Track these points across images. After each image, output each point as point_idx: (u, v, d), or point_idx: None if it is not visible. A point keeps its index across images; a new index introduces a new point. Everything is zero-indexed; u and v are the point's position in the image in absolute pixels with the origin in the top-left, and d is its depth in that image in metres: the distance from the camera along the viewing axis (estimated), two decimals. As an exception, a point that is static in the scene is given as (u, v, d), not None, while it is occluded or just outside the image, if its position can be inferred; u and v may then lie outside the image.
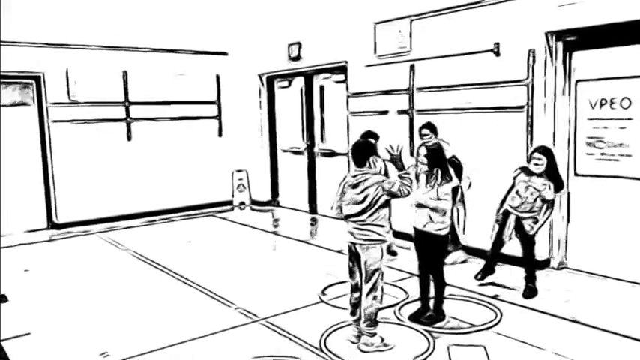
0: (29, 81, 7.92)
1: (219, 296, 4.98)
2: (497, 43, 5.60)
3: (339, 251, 6.44)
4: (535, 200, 4.66)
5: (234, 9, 9.13)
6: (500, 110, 5.70)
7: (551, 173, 4.61)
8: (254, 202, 9.72)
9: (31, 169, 8.07)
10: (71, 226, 8.15)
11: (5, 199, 7.78)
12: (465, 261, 5.93)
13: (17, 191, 7.92)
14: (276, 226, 8.18)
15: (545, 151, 4.62)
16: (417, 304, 4.41)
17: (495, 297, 4.78)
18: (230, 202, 9.68)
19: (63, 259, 6.67)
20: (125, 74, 8.54)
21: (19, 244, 7.33)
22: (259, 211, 9.31)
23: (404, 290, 4.98)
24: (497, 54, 5.62)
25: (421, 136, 5.69)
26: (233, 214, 9.12)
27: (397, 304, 4.64)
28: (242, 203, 9.68)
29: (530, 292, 4.77)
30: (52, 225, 8.17)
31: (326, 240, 7.11)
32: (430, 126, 5.74)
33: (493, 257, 5.09)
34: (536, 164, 4.59)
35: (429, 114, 6.40)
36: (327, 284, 5.17)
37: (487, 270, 5.12)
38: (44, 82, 7.90)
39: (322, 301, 4.77)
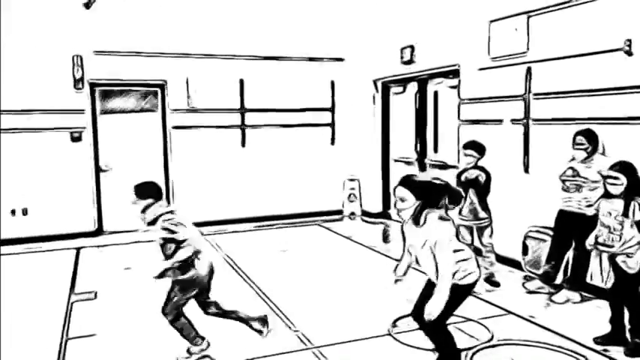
0: (155, 89, 8.46)
1: (284, 315, 4.73)
2: (630, 40, 4.58)
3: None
4: (622, 227, 3.75)
5: (349, 14, 8.88)
6: (632, 121, 4.65)
7: (634, 191, 3.73)
8: (365, 213, 9.35)
9: (155, 171, 8.60)
10: (186, 227, 8.51)
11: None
12: (582, 300, 4.95)
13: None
14: (386, 241, 7.76)
15: (625, 168, 3.75)
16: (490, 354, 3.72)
17: (604, 353, 3.86)
18: (340, 212, 9.42)
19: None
20: (241, 82, 8.74)
21: (135, 242, 7.82)
22: (369, 223, 8.92)
23: (488, 330, 4.26)
24: (629, 53, 4.59)
25: (575, 144, 4.77)
26: (340, 224, 8.84)
27: (470, 348, 3.96)
28: (352, 213, 9.37)
29: (635, 348, 3.79)
30: (170, 225, 8.61)
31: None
32: (588, 133, 4.73)
33: (618, 314, 3.96)
34: (613, 184, 3.77)
35: (547, 124, 5.51)
36: (402, 314, 4.63)
37: (613, 338, 3.98)
38: (167, 90, 8.38)
39: (389, 334, 4.26)
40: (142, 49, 8.10)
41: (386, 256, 6.77)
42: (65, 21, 7.62)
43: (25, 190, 7.68)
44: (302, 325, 4.48)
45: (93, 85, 8.02)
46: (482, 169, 5.35)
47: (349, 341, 4.14)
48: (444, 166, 7.64)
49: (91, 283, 5.80)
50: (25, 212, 7.71)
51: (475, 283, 3.42)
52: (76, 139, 7.91)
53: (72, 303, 5.12)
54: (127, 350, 4.08)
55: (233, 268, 6.30)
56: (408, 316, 4.53)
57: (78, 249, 7.35)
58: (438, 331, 3.51)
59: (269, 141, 8.97)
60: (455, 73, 6.99)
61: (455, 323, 4.42)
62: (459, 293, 3.36)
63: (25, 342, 4.21)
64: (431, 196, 3.20)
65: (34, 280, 5.99)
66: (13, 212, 7.65)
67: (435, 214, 3.19)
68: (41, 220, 7.78)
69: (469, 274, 3.35)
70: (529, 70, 5.68)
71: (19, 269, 6.49)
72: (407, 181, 3.25)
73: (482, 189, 5.32)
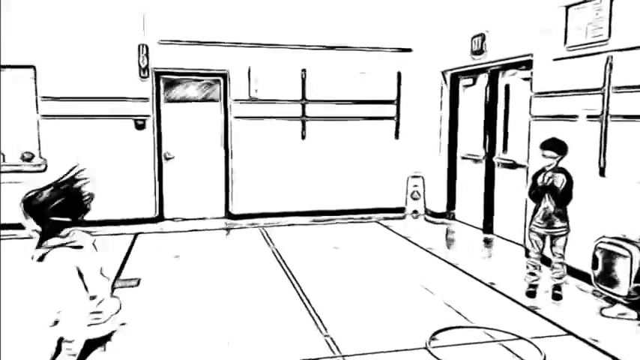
0: (217, 78, 8.46)
1: (318, 317, 4.48)
2: None
3: (491, 284, 5.33)
4: None
5: (417, 2, 8.41)
6: None
7: None
8: (428, 212, 8.88)
9: (215, 161, 8.63)
10: (243, 218, 8.50)
11: (192, 187, 8.49)
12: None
13: (203, 180, 8.56)
14: (449, 244, 7.31)
15: None
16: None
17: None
18: (402, 210, 9.01)
19: (214, 249, 6.92)
20: (304, 72, 8.55)
21: (193, 230, 7.88)
22: (432, 223, 8.46)
23: (540, 351, 3.77)
24: None
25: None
26: (400, 223, 8.44)
27: (515, 372, 3.51)
28: (415, 212, 8.93)
29: None
30: (228, 215, 8.63)
31: (487, 269, 6.02)
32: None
33: None
34: None
35: (628, 121, 4.84)
36: (443, 327, 4.24)
37: None
38: (229, 79, 8.35)
39: (426, 348, 3.89)
40: (205, 38, 8.11)
41: (443, 260, 6.33)
42: (132, 11, 7.78)
43: (92, 174, 7.92)
44: (334, 329, 4.21)
45: (157, 74, 8.14)
46: (562, 171, 4.79)
47: (381, 352, 3.82)
48: (512, 165, 7.04)
49: (139, 269, 5.85)
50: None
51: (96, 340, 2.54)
52: (140, 126, 8.08)
53: (114, 289, 5.16)
54: (152, 342, 4.01)
55: (279, 262, 6.13)
56: (450, 329, 4.18)
57: (136, 234, 7.51)
58: None
59: (330, 133, 8.73)
60: (528, 64, 6.39)
61: (502, 341, 3.99)
62: None
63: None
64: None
65: (87, 263, 6.13)
66: (80, 196, 7.94)
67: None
68: (105, 205, 8.00)
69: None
70: (610, 60, 5.02)
71: (77, 251, 6.69)
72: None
73: (561, 194, 4.76)
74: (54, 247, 2.37)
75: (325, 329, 4.23)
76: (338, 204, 8.77)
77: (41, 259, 2.37)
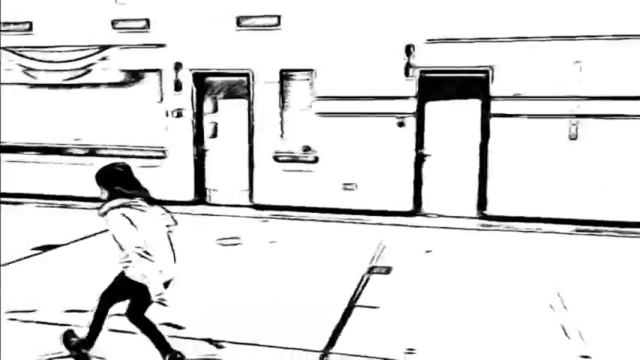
0: (480, 75, 8.28)
1: (579, 334, 4.07)
2: None
3: None
4: None
5: None
6: None
7: None
8: None
9: (472, 160, 8.47)
10: (498, 220, 8.17)
11: (447, 185, 8.56)
12: None
13: (459, 178, 8.54)
14: None
15: None
16: None
17: None
18: (694, 226, 7.50)
19: (466, 249, 6.81)
20: (577, 65, 7.78)
21: (444, 227, 7.92)
22: None
23: None
24: None
25: None
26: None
27: None
28: None
29: None
30: (482, 215, 8.41)
31: None
32: None
33: None
34: None
35: None
36: None
37: None
38: (491, 76, 8.11)
39: None
40: (468, 35, 8.03)
41: None
42: (400, 12, 8.18)
43: (356, 168, 8.63)
44: (594, 349, 3.79)
45: (421, 72, 8.36)
46: None
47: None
48: None
49: (391, 259, 6.16)
50: (355, 187, 8.67)
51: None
52: (401, 124, 8.44)
53: (368, 275, 5.55)
54: (401, 328, 4.20)
55: (534, 270, 5.75)
56: None
57: (391, 226, 7.89)
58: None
59: (606, 134, 7.75)
60: None
61: None
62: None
63: (317, 302, 4.78)
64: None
65: (347, 248, 6.69)
66: (345, 187, 8.70)
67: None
68: (367, 196, 8.63)
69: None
70: None
71: (339, 236, 7.38)
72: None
73: None
74: (114, 207, 3.22)
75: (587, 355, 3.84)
76: (608, 214, 7.76)
77: (105, 214, 3.24)
